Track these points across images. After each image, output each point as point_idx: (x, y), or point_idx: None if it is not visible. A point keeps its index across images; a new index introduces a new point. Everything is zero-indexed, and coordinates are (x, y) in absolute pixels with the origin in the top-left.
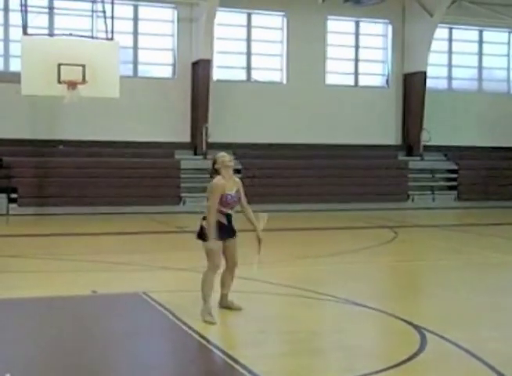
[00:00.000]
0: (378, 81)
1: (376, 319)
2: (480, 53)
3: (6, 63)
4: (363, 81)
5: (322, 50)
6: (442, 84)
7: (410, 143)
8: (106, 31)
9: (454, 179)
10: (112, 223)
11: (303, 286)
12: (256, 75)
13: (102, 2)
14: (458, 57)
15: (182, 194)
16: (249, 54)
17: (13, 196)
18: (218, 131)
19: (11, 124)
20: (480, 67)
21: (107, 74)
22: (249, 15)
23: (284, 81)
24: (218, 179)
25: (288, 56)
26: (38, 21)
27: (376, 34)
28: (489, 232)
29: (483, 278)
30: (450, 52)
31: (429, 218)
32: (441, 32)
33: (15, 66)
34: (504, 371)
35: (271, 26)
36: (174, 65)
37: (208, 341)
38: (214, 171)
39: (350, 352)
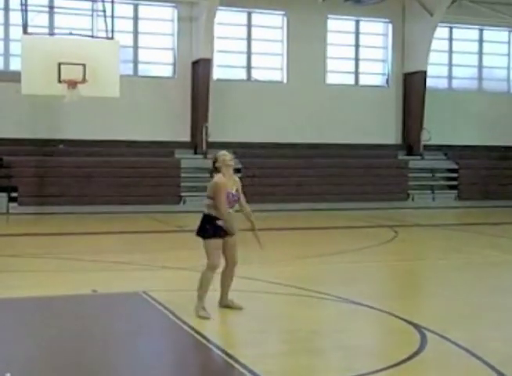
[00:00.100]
0: (378, 81)
1: (376, 319)
2: (480, 52)
3: (6, 62)
4: (363, 80)
5: (323, 49)
6: (442, 83)
7: (410, 143)
8: (107, 30)
9: (454, 179)
10: (112, 222)
11: (303, 285)
12: (256, 74)
13: (103, 1)
14: (458, 56)
15: (182, 193)
16: (249, 53)
17: (13, 195)
18: (218, 130)
19: (11, 123)
20: (480, 67)
21: (107, 73)
22: (249, 14)
23: (284, 81)
24: (219, 178)
25: (288, 56)
26: (38, 20)
27: (377, 34)
28: (489, 231)
29: (483, 277)
30: (450, 51)
31: (429, 218)
32: (441, 31)
33: (15, 65)
34: (504, 370)
35: (271, 25)
36: (174, 64)
37: (208, 340)
38: (215, 170)
39: (350, 351)
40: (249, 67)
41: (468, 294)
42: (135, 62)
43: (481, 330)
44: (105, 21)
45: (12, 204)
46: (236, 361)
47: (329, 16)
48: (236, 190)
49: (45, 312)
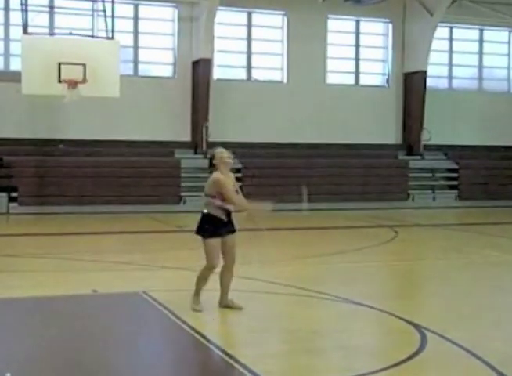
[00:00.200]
0: (378, 81)
1: (376, 319)
2: (480, 52)
3: (7, 62)
4: (363, 80)
5: (323, 49)
6: (443, 83)
7: (410, 143)
8: (107, 30)
9: (454, 179)
10: (112, 222)
11: (303, 285)
12: (256, 74)
13: (103, 1)
14: (458, 56)
15: (183, 193)
16: (249, 53)
17: (13, 195)
18: (218, 130)
19: (11, 123)
20: (480, 66)
21: (107, 73)
22: (249, 14)
23: (284, 81)
24: (218, 174)
25: (288, 56)
26: (39, 20)
27: (377, 33)
28: (489, 231)
29: (483, 277)
30: (450, 51)
31: (429, 218)
32: (441, 31)
33: (15, 65)
34: (504, 370)
35: (271, 25)
36: (174, 64)
37: (208, 340)
38: (212, 167)
39: (350, 351)
40: (249, 67)
41: (468, 294)
42: (135, 62)
43: (481, 330)
44: (105, 21)
45: (12, 204)
46: (236, 361)
47: (329, 16)
48: (233, 186)
49: (45, 312)
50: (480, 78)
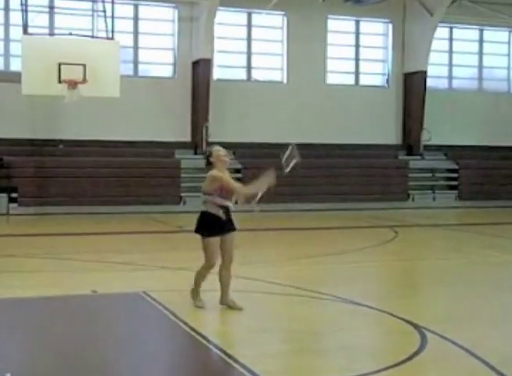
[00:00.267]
0: (378, 81)
1: (376, 319)
2: (480, 52)
3: (7, 62)
4: (364, 80)
5: (323, 49)
6: (443, 83)
7: (410, 143)
8: (107, 31)
9: (454, 179)
10: (112, 223)
11: (303, 285)
12: (256, 75)
13: (103, 2)
14: (458, 56)
15: (183, 194)
16: (249, 53)
17: (13, 195)
18: (218, 130)
19: (11, 123)
20: (480, 67)
21: (108, 74)
22: (249, 14)
23: (284, 81)
24: (215, 172)
25: (288, 56)
26: (39, 20)
27: (377, 34)
28: (489, 231)
29: (483, 277)
30: (450, 51)
31: (429, 218)
32: (441, 31)
33: (15, 65)
34: (504, 370)
35: (271, 25)
36: (174, 64)
37: (208, 340)
38: (209, 165)
39: (350, 351)
40: (249, 67)
41: (468, 293)
42: (135, 62)
43: (481, 329)
44: (105, 21)
45: (12, 205)
46: (236, 361)
47: (329, 16)
48: None
49: (45, 312)
50: (480, 78)
